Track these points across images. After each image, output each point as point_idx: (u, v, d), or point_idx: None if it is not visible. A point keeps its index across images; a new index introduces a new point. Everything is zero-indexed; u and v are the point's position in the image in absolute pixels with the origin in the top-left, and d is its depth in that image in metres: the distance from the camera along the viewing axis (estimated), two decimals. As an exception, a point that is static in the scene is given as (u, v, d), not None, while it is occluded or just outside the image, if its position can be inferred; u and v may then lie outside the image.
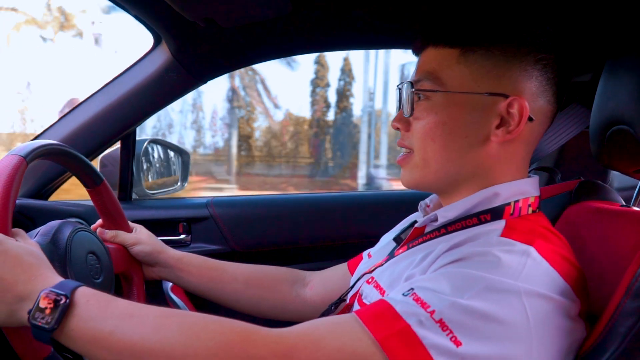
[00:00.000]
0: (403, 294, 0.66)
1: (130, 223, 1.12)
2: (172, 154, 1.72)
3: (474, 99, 0.76)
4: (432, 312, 0.61)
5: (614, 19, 1.00)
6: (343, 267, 1.10)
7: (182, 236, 1.51)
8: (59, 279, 0.69)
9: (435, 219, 0.80)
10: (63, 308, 0.63)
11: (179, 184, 1.71)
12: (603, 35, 1.06)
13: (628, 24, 0.98)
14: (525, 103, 0.74)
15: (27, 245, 0.74)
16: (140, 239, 1.09)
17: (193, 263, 1.12)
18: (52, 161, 0.92)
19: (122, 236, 1.07)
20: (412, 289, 0.66)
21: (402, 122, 0.82)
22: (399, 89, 0.83)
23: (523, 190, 0.78)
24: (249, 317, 1.12)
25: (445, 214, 0.79)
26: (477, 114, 0.76)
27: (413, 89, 0.79)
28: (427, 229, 0.83)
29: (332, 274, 1.12)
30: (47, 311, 0.63)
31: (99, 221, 1.09)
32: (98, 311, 0.65)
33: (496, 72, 0.75)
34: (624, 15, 0.97)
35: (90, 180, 0.99)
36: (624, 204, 1.00)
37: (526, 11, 0.97)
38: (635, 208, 0.96)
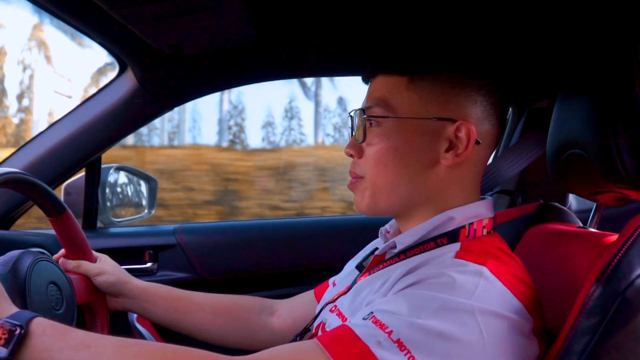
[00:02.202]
0: (363, 318, 0.67)
1: (94, 252, 1.09)
2: (138, 180, 1.70)
3: (423, 124, 0.78)
4: (390, 333, 0.62)
5: (565, 49, 1.04)
6: (309, 294, 1.10)
7: (149, 264, 1.49)
8: (14, 309, 0.68)
9: (394, 246, 0.81)
10: (18, 338, 0.62)
11: (145, 211, 1.69)
12: (556, 63, 1.11)
13: (577, 54, 1.02)
14: (473, 127, 0.77)
15: None
16: (104, 269, 1.06)
17: (158, 293, 1.09)
18: (13, 190, 0.91)
19: (85, 266, 1.04)
20: (372, 312, 0.67)
21: (355, 148, 0.83)
22: (351, 116, 0.85)
23: (477, 212, 0.80)
24: (217, 347, 1.11)
25: (403, 240, 0.80)
26: (427, 138, 0.78)
27: (365, 116, 0.81)
28: (387, 256, 0.84)
29: (298, 301, 1.11)
30: (1, 342, 0.62)
31: (62, 251, 1.06)
32: (53, 342, 0.64)
33: (444, 98, 0.78)
34: (573, 45, 1.01)
35: (52, 209, 0.97)
36: (581, 225, 1.03)
37: (468, 41, 1.01)
38: (592, 229, 0.99)
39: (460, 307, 0.64)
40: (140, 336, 1.33)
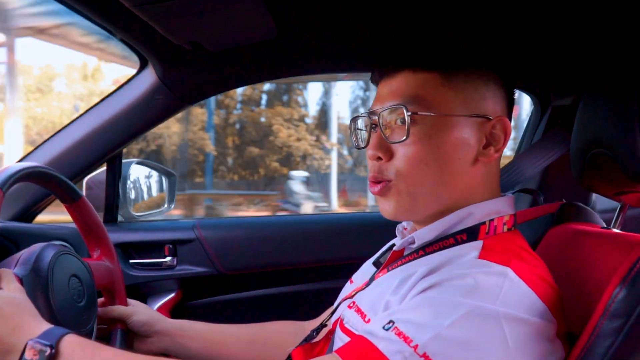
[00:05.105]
0: (384, 328, 0.65)
1: (127, 300, 1.11)
2: (158, 175, 1.72)
3: (462, 122, 0.77)
4: (415, 347, 0.61)
5: (591, 45, 1.02)
6: None
7: (168, 259, 1.50)
8: (44, 326, 0.69)
9: (413, 242, 0.80)
10: (48, 358, 0.63)
11: (165, 205, 1.71)
12: (582, 60, 1.09)
13: (604, 51, 1.00)
14: (509, 122, 0.77)
15: (8, 292, 0.73)
16: (137, 310, 1.07)
17: (193, 328, 1.09)
18: (30, 182, 0.92)
19: (117, 310, 1.05)
20: (393, 322, 0.65)
21: (383, 150, 0.78)
22: (369, 116, 0.81)
23: (498, 209, 0.79)
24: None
25: (422, 236, 0.79)
26: (467, 135, 0.77)
27: (409, 113, 0.75)
28: (406, 252, 0.83)
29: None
30: None
31: (101, 300, 1.08)
32: None
33: (478, 94, 0.77)
34: (600, 42, 0.99)
35: (67, 196, 0.99)
36: (605, 225, 1.01)
37: (501, 37, 0.99)
38: (616, 230, 0.97)
39: (485, 314, 0.63)
40: None
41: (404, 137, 0.75)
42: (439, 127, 0.76)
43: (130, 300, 1.11)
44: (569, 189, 1.32)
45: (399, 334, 0.63)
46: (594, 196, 1.46)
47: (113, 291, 1.07)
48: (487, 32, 0.98)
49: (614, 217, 1.03)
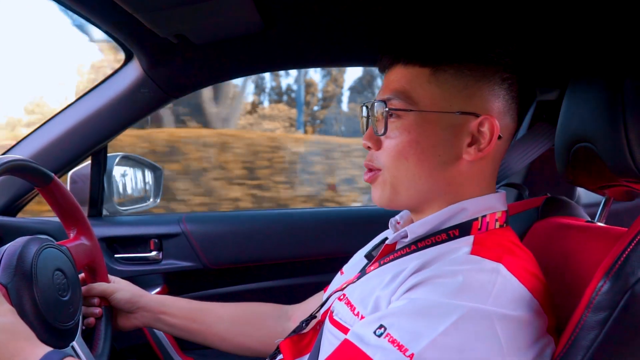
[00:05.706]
0: (375, 333, 0.65)
1: (109, 276, 1.11)
2: (144, 169, 1.70)
3: (446, 118, 0.77)
4: (411, 356, 0.62)
5: (576, 39, 1.03)
6: (322, 295, 1.09)
7: (153, 253, 1.49)
8: (40, 351, 0.69)
9: (405, 236, 0.81)
10: None
11: (151, 200, 1.70)
12: (567, 54, 1.09)
13: (589, 45, 1.01)
14: (496, 122, 0.76)
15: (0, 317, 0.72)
16: (119, 286, 1.08)
17: (176, 305, 1.10)
18: (7, 175, 0.90)
19: (99, 287, 1.05)
20: (385, 327, 0.65)
21: (373, 140, 0.82)
22: (367, 107, 0.84)
23: (490, 205, 0.80)
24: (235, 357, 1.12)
25: (415, 230, 0.79)
26: (449, 132, 0.77)
27: (387, 108, 0.79)
28: (398, 246, 0.83)
29: (312, 304, 1.09)
30: None
31: (82, 275, 1.07)
32: None
33: (466, 91, 0.77)
34: (585, 36, 1.00)
35: (39, 179, 0.97)
36: (589, 219, 1.02)
37: (493, 31, 0.99)
38: (600, 224, 0.98)
39: (478, 315, 0.63)
40: (153, 336, 1.36)
41: (383, 132, 0.79)
42: (419, 123, 0.77)
43: (111, 277, 1.11)
44: (554, 183, 1.34)
45: (393, 341, 0.63)
46: (579, 190, 1.48)
47: (94, 269, 1.07)
48: (483, 26, 0.98)
49: (598, 211, 1.04)
